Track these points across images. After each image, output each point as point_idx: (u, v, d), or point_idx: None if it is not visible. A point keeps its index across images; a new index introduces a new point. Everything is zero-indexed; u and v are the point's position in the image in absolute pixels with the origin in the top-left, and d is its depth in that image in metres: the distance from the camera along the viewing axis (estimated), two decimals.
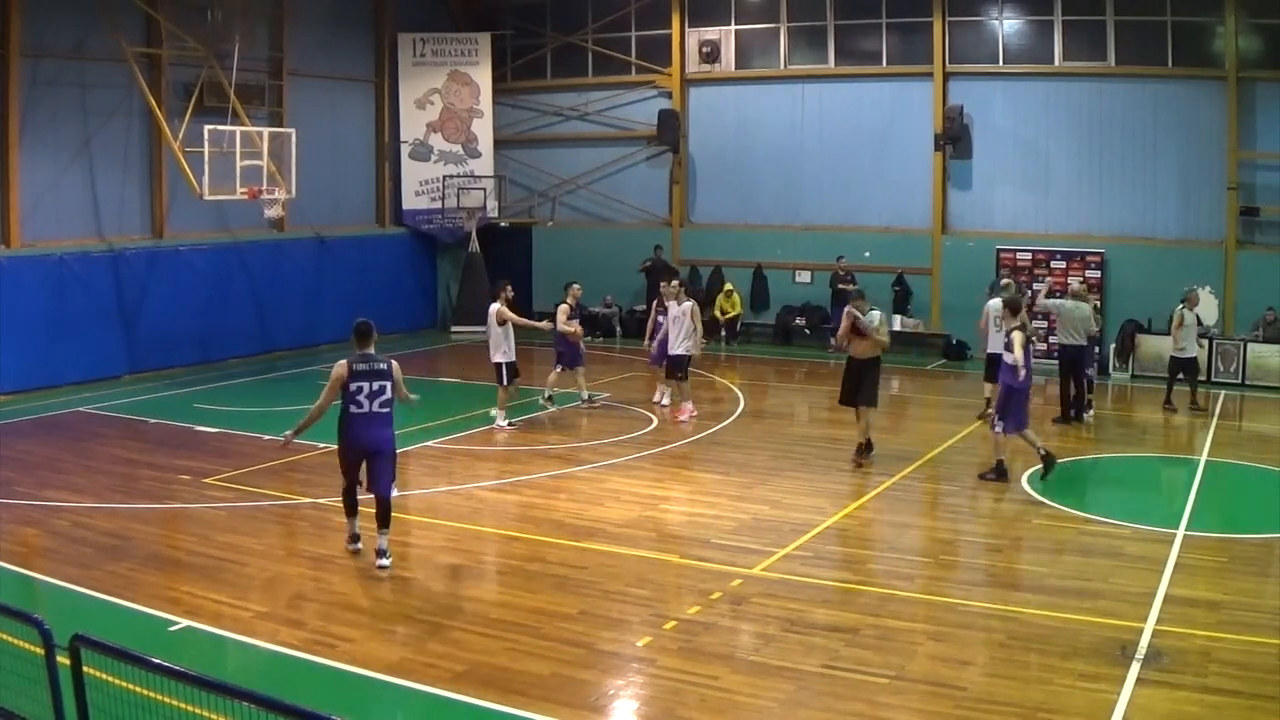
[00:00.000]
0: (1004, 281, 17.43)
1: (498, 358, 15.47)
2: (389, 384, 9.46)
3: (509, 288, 15.92)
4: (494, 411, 15.75)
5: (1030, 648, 7.99)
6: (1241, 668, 7.58)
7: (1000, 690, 7.28)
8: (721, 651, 7.97)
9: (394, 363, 9.58)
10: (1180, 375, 16.96)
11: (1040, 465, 12.75)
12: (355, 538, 10.02)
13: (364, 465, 9.60)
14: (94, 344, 18.93)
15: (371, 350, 9.53)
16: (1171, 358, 17.09)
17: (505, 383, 15.52)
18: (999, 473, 12.69)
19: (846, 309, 13.42)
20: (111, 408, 17.04)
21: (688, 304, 16.06)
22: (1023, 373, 12.38)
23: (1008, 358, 12.60)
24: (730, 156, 24.60)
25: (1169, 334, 19.92)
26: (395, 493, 9.91)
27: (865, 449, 13.55)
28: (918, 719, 6.98)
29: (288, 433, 9.77)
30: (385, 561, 9.55)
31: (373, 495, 9.60)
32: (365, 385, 9.35)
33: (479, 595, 9.30)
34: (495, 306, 15.54)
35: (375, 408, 9.41)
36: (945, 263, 22.39)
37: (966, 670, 7.62)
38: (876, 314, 13.49)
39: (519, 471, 13.32)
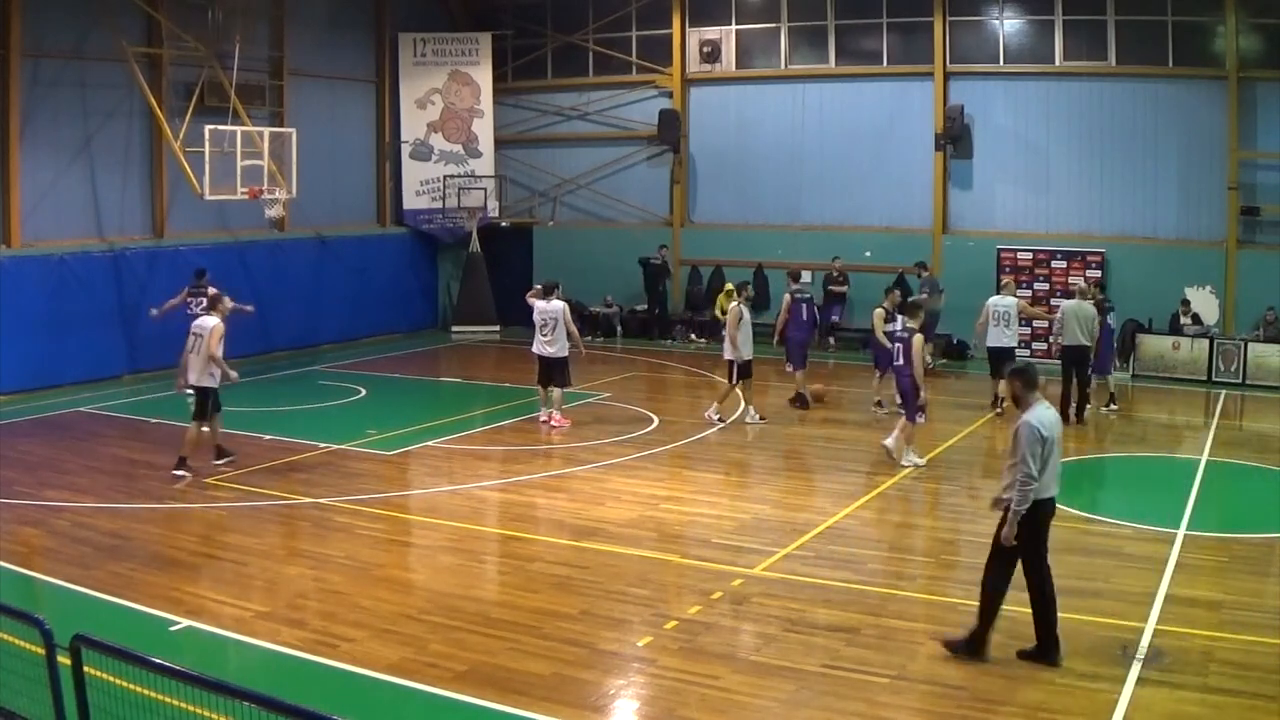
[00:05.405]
0: (1004, 280, 17.46)
1: (729, 355, 15.78)
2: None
3: (749, 287, 16.71)
4: (714, 410, 15.98)
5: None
6: (1242, 667, 7.58)
7: (1001, 690, 7.28)
8: (722, 651, 7.97)
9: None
10: None
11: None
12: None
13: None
14: (94, 344, 18.89)
15: None
16: None
17: (734, 380, 15.94)
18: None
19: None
20: (112, 408, 17.04)
21: (558, 304, 15.37)
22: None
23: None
24: (731, 156, 24.58)
25: (1169, 334, 20.04)
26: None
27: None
28: (918, 719, 6.99)
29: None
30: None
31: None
32: None
33: (480, 595, 9.30)
34: (734, 305, 15.97)
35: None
36: (946, 263, 22.36)
37: (967, 670, 7.61)
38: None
39: (519, 471, 13.32)
